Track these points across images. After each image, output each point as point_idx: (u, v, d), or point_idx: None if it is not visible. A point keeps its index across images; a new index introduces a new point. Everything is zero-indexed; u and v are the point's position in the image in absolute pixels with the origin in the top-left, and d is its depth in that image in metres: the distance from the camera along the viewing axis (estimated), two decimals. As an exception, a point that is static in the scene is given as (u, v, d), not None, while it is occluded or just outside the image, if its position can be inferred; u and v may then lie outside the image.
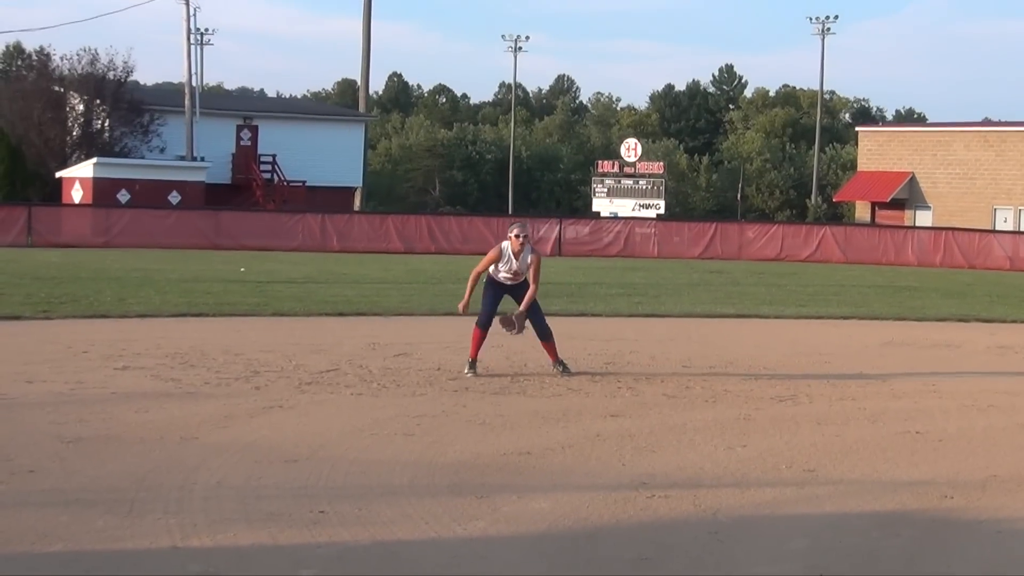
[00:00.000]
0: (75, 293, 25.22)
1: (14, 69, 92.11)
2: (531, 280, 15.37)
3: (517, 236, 15.28)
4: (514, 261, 15.37)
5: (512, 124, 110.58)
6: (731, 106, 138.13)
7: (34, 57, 78.02)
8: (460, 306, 15.69)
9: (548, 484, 9.80)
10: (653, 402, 13.93)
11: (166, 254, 42.50)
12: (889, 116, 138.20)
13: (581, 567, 7.82)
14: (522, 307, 15.34)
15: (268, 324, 21.20)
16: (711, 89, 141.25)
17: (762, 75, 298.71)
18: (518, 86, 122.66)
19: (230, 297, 25.34)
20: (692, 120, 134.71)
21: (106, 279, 29.45)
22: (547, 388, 14.66)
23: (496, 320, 15.41)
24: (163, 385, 13.99)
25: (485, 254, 15.73)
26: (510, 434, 11.81)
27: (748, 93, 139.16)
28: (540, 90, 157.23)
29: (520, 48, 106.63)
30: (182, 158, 67.64)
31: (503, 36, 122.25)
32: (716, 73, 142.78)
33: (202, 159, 66.79)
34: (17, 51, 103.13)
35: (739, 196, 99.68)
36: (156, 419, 11.96)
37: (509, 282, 15.51)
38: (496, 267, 15.52)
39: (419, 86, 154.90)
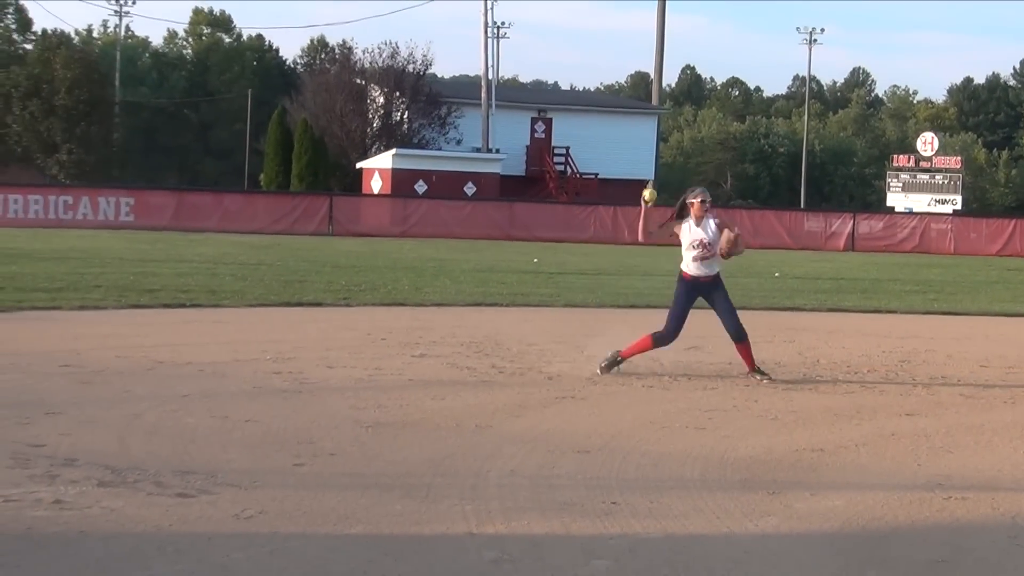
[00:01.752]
0: (373, 281, 25.88)
1: (318, 63, 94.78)
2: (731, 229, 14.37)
3: (703, 201, 14.28)
4: (696, 228, 14.35)
5: (806, 117, 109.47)
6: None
7: (337, 51, 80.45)
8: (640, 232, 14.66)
9: (842, 482, 9.68)
10: (949, 401, 13.63)
11: (461, 244, 43.23)
12: None
13: (875, 567, 7.70)
14: (734, 232, 14.35)
15: (560, 315, 21.41)
16: (1012, 82, 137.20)
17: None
18: (812, 79, 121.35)
19: (523, 287, 25.66)
20: (991, 114, 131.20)
21: (403, 268, 30.14)
22: (840, 385, 14.48)
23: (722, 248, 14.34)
24: (458, 373, 14.25)
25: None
26: (802, 430, 11.70)
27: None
28: (834, 83, 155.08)
29: (815, 40, 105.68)
30: (478, 150, 68.73)
31: (797, 28, 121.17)
32: (1017, 66, 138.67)
33: (497, 151, 67.71)
34: (321, 45, 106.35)
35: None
36: (451, 406, 12.18)
37: (704, 273, 14.56)
38: (684, 250, 14.54)
39: (712, 79, 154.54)
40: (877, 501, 9.08)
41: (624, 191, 69.05)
